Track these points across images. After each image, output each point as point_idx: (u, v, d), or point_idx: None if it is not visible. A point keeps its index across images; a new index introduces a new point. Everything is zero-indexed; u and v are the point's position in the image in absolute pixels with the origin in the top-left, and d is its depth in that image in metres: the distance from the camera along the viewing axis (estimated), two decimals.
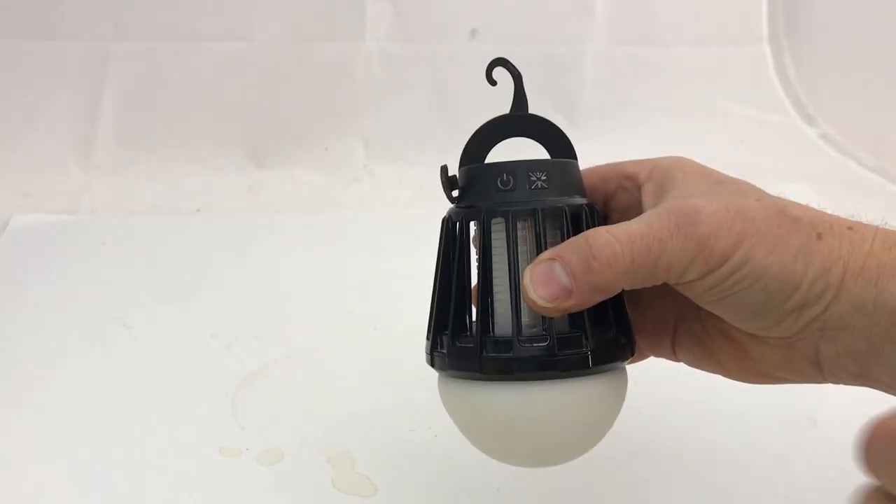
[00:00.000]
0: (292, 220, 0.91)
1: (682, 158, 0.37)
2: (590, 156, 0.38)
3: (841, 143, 1.11)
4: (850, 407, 0.54)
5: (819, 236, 0.32)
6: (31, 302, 0.71)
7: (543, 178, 0.35)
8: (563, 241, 0.34)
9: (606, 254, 0.32)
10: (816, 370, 0.34)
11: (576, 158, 0.37)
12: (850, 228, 0.33)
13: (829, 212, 0.35)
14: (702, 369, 0.39)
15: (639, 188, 0.37)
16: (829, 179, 1.01)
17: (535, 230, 0.34)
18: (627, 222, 0.33)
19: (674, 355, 0.39)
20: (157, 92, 1.05)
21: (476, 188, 0.36)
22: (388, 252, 0.80)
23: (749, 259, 0.32)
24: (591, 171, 0.39)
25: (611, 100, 1.13)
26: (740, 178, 0.36)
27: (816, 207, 0.35)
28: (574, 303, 0.32)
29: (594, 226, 0.35)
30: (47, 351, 0.64)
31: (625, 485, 0.48)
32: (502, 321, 0.35)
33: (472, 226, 0.36)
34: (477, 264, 0.35)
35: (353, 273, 0.76)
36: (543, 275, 0.32)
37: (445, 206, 0.37)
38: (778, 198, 0.34)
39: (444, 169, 0.37)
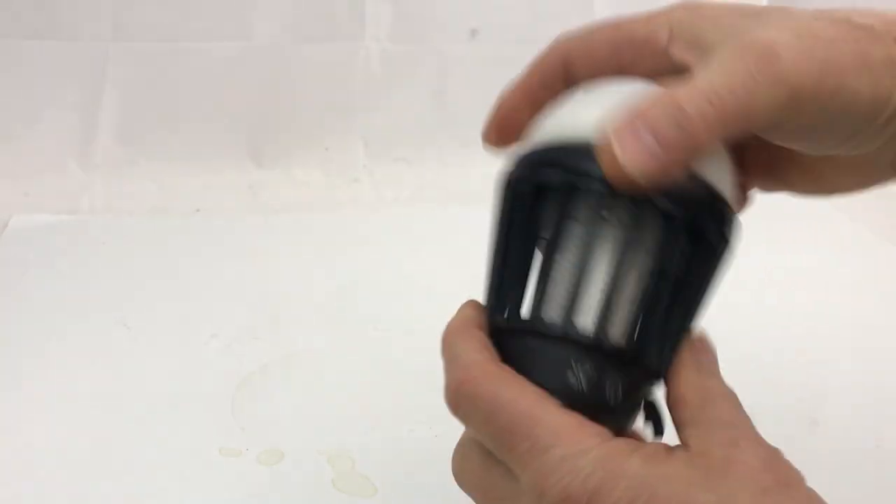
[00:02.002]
0: (292, 220, 0.91)
1: (692, 2, 0.32)
2: None
3: None
4: (850, 408, 0.54)
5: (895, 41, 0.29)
6: (31, 302, 0.71)
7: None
8: None
9: (697, 112, 0.27)
10: (893, 172, 0.32)
11: None
12: None
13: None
14: (767, 190, 0.36)
15: (663, 52, 0.32)
16: None
17: None
18: (698, 75, 0.28)
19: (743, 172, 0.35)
20: (157, 92, 1.05)
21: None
22: (389, 252, 0.80)
23: (842, 87, 0.28)
24: (591, 36, 0.35)
25: None
26: None
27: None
28: (660, 170, 0.27)
29: None
30: (47, 351, 0.64)
31: None
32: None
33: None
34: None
35: (353, 273, 0.76)
36: (631, 130, 0.27)
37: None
38: (832, 9, 0.30)
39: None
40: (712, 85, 0.27)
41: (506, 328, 0.32)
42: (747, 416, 0.30)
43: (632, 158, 0.27)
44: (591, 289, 0.31)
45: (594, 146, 0.29)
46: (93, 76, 1.03)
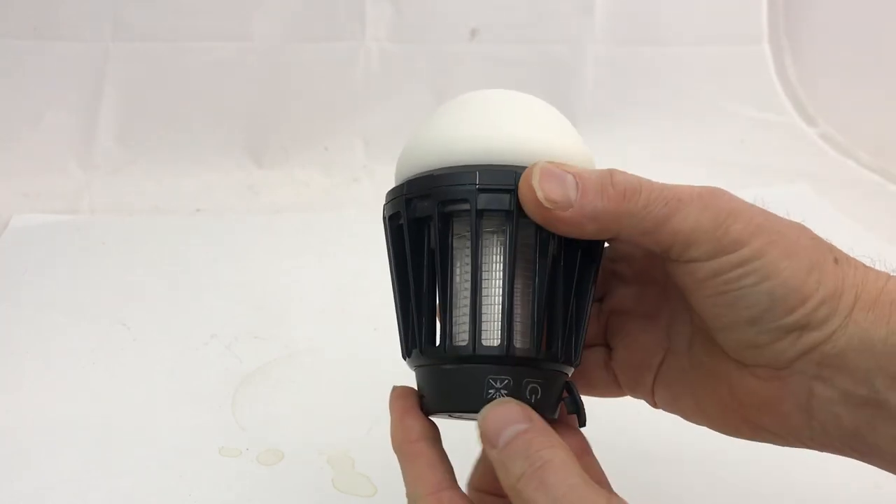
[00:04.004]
0: (292, 220, 0.91)
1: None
2: None
3: (841, 143, 1.11)
4: None
5: (836, 260, 0.30)
6: (31, 302, 0.71)
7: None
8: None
9: (625, 186, 0.30)
10: (804, 419, 0.31)
11: None
12: (865, 266, 0.31)
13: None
14: (679, 413, 0.36)
15: None
16: (829, 179, 1.01)
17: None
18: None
19: (652, 396, 0.37)
20: (157, 92, 1.05)
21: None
22: None
23: (763, 254, 0.29)
24: None
25: (611, 100, 1.13)
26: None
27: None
28: (568, 216, 0.30)
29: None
30: (47, 351, 0.64)
31: (624, 484, 0.48)
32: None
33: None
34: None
35: (353, 273, 0.76)
36: (555, 174, 0.30)
37: None
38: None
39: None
40: (653, 182, 0.30)
41: (422, 363, 0.34)
42: None
43: (546, 189, 0.30)
44: (488, 305, 0.32)
45: (468, 170, 0.31)
46: (93, 76, 1.03)
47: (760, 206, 0.32)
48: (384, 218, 0.35)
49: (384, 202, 0.35)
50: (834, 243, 0.32)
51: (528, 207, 0.30)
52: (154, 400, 0.58)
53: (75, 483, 0.49)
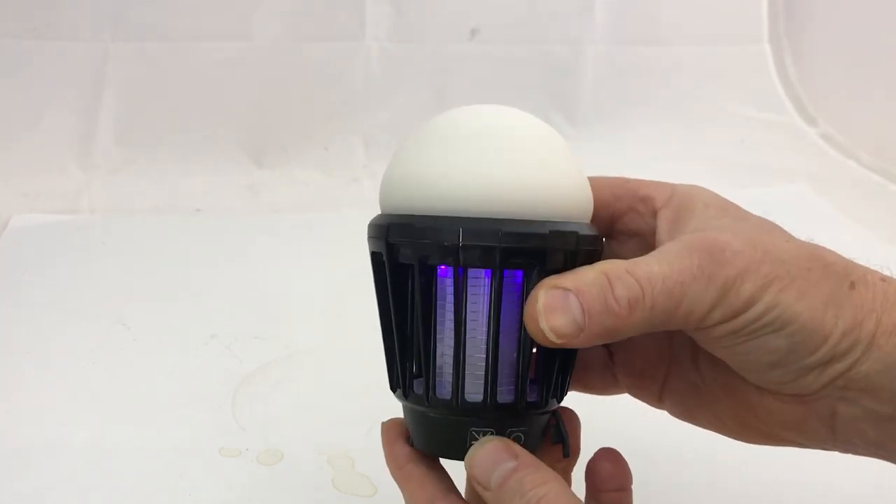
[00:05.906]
0: (292, 220, 0.91)
1: (703, 188, 0.34)
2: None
3: (841, 143, 1.11)
4: None
5: (852, 285, 0.29)
6: (31, 302, 0.71)
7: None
8: None
9: (628, 297, 0.29)
10: (829, 433, 0.31)
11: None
12: (883, 280, 0.30)
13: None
14: (694, 423, 0.36)
15: (654, 213, 0.34)
16: (829, 179, 1.01)
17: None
18: (646, 259, 0.30)
19: (659, 403, 0.36)
20: (157, 92, 1.05)
21: None
22: None
23: (778, 303, 0.28)
24: (600, 183, 0.35)
25: (611, 100, 1.13)
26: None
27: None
28: (580, 341, 0.29)
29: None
30: (47, 351, 0.64)
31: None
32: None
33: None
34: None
35: (353, 273, 0.76)
36: (558, 304, 0.29)
37: None
38: (807, 242, 0.31)
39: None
40: (651, 274, 0.29)
41: (407, 407, 0.34)
42: None
43: (555, 326, 0.29)
44: (471, 356, 0.32)
45: (451, 224, 0.30)
46: (93, 76, 1.03)
47: (759, 211, 0.32)
48: (369, 251, 0.34)
49: (367, 235, 0.33)
50: (833, 244, 0.32)
51: (539, 341, 0.30)
52: (154, 400, 0.58)
53: (75, 483, 0.49)
